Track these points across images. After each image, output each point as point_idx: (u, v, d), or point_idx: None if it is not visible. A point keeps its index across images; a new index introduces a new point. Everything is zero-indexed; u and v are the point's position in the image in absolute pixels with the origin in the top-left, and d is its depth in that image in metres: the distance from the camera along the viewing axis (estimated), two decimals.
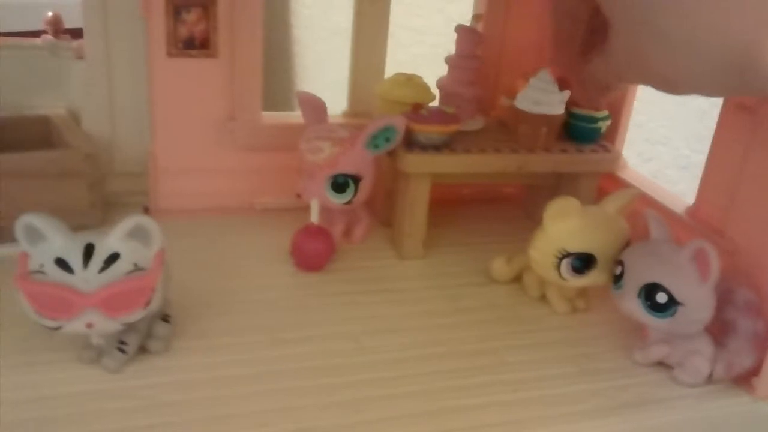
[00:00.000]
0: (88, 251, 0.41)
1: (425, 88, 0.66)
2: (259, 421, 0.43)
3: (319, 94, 0.62)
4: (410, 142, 0.60)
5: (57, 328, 0.42)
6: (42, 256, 0.42)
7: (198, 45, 0.62)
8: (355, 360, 0.49)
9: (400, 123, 0.58)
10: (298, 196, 0.60)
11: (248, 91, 0.64)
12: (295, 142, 0.61)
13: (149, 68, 0.62)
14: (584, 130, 0.64)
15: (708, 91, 0.41)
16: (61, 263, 0.41)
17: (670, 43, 0.38)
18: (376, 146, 0.59)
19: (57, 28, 0.68)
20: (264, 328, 0.52)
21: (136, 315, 0.43)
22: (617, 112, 0.67)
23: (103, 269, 0.41)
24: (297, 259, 0.59)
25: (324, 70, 1.45)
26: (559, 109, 0.60)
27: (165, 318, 0.47)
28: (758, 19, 0.35)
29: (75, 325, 0.42)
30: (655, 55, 0.39)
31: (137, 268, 0.42)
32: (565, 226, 0.53)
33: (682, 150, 0.84)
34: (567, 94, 0.59)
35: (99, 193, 0.61)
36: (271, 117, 0.67)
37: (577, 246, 0.53)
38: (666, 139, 0.86)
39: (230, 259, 0.60)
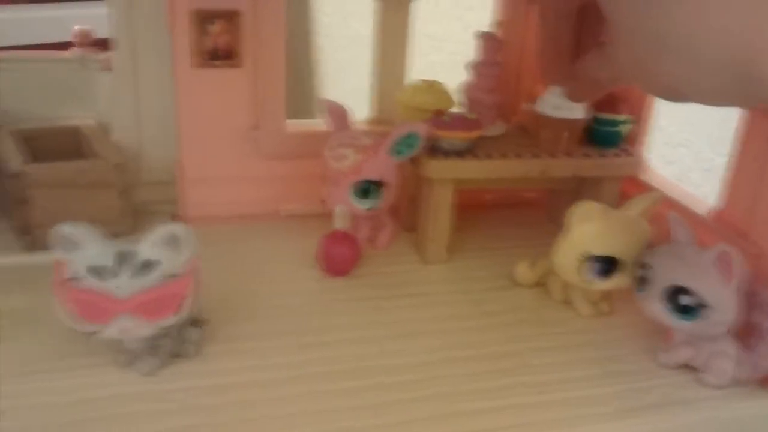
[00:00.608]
0: (123, 258, 0.43)
1: (446, 94, 0.67)
2: (286, 424, 0.44)
3: (340, 102, 0.63)
4: (433, 148, 0.60)
5: (93, 333, 0.43)
6: (78, 263, 0.43)
7: (222, 56, 0.63)
8: (380, 363, 0.50)
9: (422, 129, 0.59)
10: (323, 202, 0.61)
11: (272, 100, 0.65)
12: (319, 149, 0.62)
13: (175, 79, 0.63)
14: (606, 134, 0.64)
15: (711, 101, 0.39)
16: (97, 270, 0.42)
17: (670, 51, 0.37)
18: (400, 153, 0.60)
19: (85, 40, 0.70)
20: (291, 332, 0.52)
21: (169, 320, 0.44)
22: (639, 116, 0.67)
23: (137, 276, 0.42)
24: (323, 264, 0.60)
25: (345, 77, 1.46)
26: (580, 114, 0.61)
27: (196, 323, 0.49)
28: (762, 25, 0.33)
29: (111, 330, 0.43)
30: (655, 62, 0.38)
31: (170, 274, 0.44)
32: (588, 229, 0.53)
33: (705, 152, 0.84)
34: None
35: (128, 201, 0.63)
36: (295, 125, 0.68)
37: (601, 249, 0.53)
38: (688, 142, 0.86)
39: (257, 264, 0.61)
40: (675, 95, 0.40)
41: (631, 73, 0.42)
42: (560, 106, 0.60)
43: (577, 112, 0.61)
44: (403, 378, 0.49)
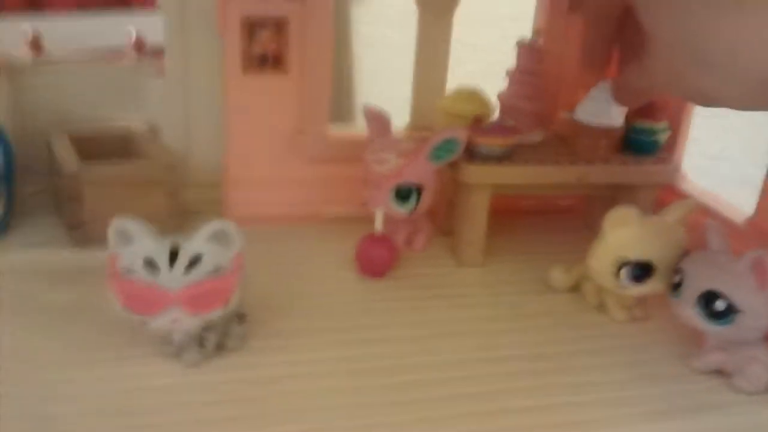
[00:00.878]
0: (174, 252, 0.45)
1: (485, 101, 0.69)
2: (327, 416, 0.45)
3: (381, 108, 0.65)
4: (472, 154, 0.62)
5: (145, 324, 0.46)
6: (132, 256, 0.45)
7: (270, 62, 0.66)
8: (419, 361, 0.51)
9: (461, 135, 0.61)
10: (364, 205, 0.63)
11: (317, 106, 0.67)
12: (360, 154, 0.64)
13: (225, 84, 0.66)
14: (643, 143, 0.65)
15: (740, 106, 0.42)
16: (150, 263, 0.45)
17: (707, 63, 0.39)
18: (439, 157, 0.61)
19: (139, 46, 0.73)
20: (331, 329, 0.54)
21: (216, 313, 0.46)
22: (676, 125, 0.68)
23: (187, 269, 0.45)
24: (361, 265, 0.62)
25: (383, 85, 1.48)
26: (618, 121, 0.62)
27: (241, 317, 0.51)
28: None
29: (161, 321, 0.45)
30: (692, 73, 0.41)
31: (219, 268, 0.46)
32: (624, 234, 0.54)
33: (740, 164, 0.85)
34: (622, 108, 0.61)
35: (176, 201, 0.65)
36: (338, 130, 0.70)
37: (637, 254, 0.54)
38: (723, 154, 0.86)
39: (298, 264, 0.63)
40: (706, 101, 0.43)
41: (667, 83, 0.44)
42: (598, 114, 0.61)
43: (615, 120, 0.62)
44: (441, 375, 0.50)
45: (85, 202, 0.61)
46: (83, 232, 0.62)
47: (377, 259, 0.61)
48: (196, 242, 0.45)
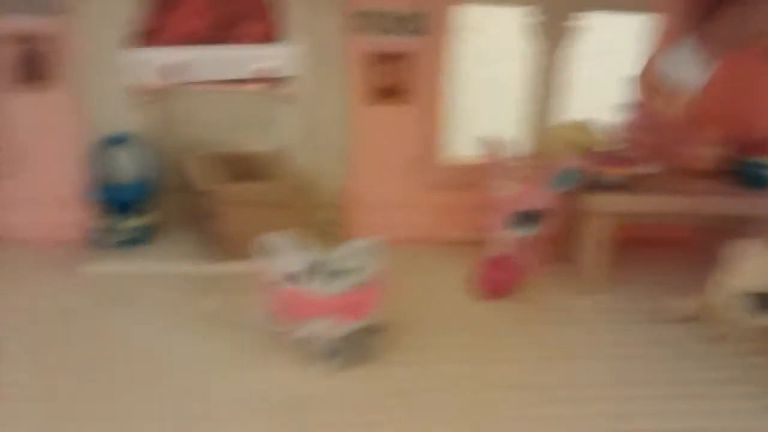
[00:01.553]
0: (323, 265, 0.48)
1: (599, 133, 0.70)
2: (457, 428, 0.48)
3: (498, 137, 0.67)
4: (592, 183, 0.63)
5: (292, 332, 0.49)
6: (283, 268, 0.49)
7: (393, 94, 0.70)
8: (548, 380, 0.53)
9: (582, 164, 0.62)
10: (482, 229, 0.65)
11: (435, 135, 0.71)
12: (476, 180, 0.66)
13: (350, 114, 0.70)
14: (757, 176, 0.66)
15: None
16: (299, 275, 0.48)
17: None
18: (559, 185, 0.63)
19: (267, 77, 0.77)
20: (460, 347, 0.57)
21: (360, 323, 0.49)
22: None
23: (335, 281, 0.48)
24: (483, 286, 0.64)
25: (478, 118, 1.51)
26: (697, 81, 0.60)
27: (378, 330, 0.53)
28: None
29: (308, 329, 0.48)
30: None
31: (365, 281, 0.49)
32: (748, 266, 0.55)
33: None
34: (708, 66, 0.59)
35: (304, 221, 0.69)
36: (455, 157, 0.72)
37: (760, 285, 0.54)
38: None
39: (421, 283, 0.66)
40: None
41: None
42: (678, 68, 0.59)
43: (694, 78, 0.60)
44: (569, 395, 0.52)
45: (223, 219, 0.66)
46: (222, 247, 0.66)
47: (499, 282, 0.63)
48: (343, 256, 0.49)
